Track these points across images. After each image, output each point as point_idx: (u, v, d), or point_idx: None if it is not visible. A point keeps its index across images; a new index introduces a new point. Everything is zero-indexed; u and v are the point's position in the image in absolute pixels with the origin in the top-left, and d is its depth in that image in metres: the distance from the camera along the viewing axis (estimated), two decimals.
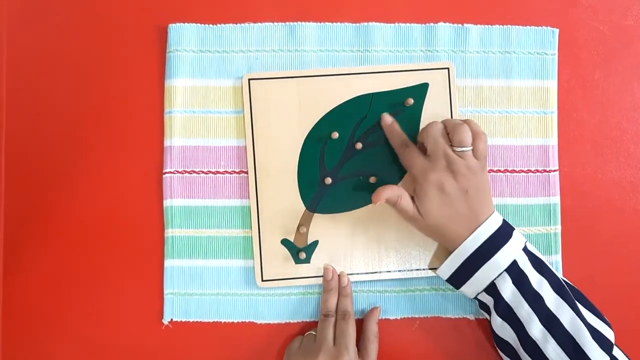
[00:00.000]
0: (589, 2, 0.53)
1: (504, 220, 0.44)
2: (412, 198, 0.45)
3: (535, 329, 0.40)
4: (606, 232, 0.51)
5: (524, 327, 0.41)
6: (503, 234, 0.42)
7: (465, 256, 0.43)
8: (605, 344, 0.40)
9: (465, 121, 0.44)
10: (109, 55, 0.52)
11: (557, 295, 0.41)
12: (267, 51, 0.51)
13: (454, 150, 0.43)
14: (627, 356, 0.41)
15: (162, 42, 0.51)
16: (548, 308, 0.41)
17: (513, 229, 0.44)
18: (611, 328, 0.41)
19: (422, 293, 0.50)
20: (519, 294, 0.41)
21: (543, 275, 0.42)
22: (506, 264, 0.41)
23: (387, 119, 0.49)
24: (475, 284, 0.43)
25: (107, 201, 0.51)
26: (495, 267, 0.42)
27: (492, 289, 0.42)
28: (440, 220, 0.43)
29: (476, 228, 0.42)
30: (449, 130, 0.43)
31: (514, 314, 0.42)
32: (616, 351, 0.41)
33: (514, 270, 0.42)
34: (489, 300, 0.44)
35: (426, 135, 0.44)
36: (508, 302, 0.42)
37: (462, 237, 0.43)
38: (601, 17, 0.52)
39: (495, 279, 0.42)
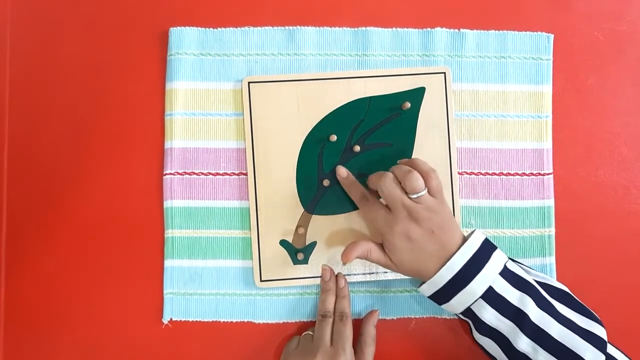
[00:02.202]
0: (583, 8, 0.54)
1: (483, 242, 0.43)
2: (382, 245, 0.45)
3: (523, 343, 0.41)
4: (599, 234, 0.52)
5: (510, 342, 0.41)
6: (477, 261, 0.42)
7: (439, 286, 0.43)
8: (598, 343, 0.40)
9: (412, 162, 0.45)
10: (110, 58, 0.52)
11: (541, 311, 0.41)
12: (267, 55, 0.52)
13: (410, 197, 0.43)
14: (621, 351, 0.42)
15: (163, 45, 0.52)
16: (533, 323, 0.41)
17: (492, 251, 0.43)
18: (603, 326, 0.42)
19: (419, 293, 0.51)
20: (499, 314, 0.42)
21: (527, 293, 0.42)
22: (481, 291, 0.41)
23: (342, 171, 0.49)
24: (452, 307, 0.44)
25: (108, 202, 0.51)
26: (470, 295, 0.42)
27: (469, 312, 0.43)
28: (412, 265, 0.44)
29: (448, 259, 0.42)
30: (400, 179, 0.44)
31: (497, 331, 0.42)
32: (610, 348, 0.41)
33: (490, 296, 0.42)
34: (467, 319, 0.44)
35: (379, 189, 0.44)
36: (489, 324, 0.42)
37: (435, 270, 0.43)
38: (596, 23, 0.53)
39: (471, 305, 0.42)
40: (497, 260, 0.43)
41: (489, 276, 0.42)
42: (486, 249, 0.43)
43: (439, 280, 0.42)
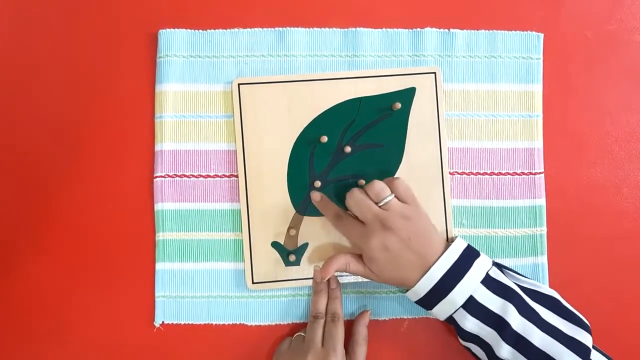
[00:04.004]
0: (573, 7, 0.54)
1: (464, 249, 0.43)
2: (361, 256, 0.45)
3: (504, 351, 0.41)
4: (591, 233, 0.52)
5: (492, 349, 0.41)
6: (457, 270, 0.42)
7: (421, 295, 0.43)
8: (581, 351, 0.40)
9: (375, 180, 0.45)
10: (99, 60, 0.52)
11: (523, 319, 0.41)
12: (257, 56, 0.51)
13: (379, 206, 0.43)
14: (606, 356, 0.42)
15: (152, 48, 0.52)
16: (515, 331, 0.41)
17: (474, 259, 0.43)
18: (589, 332, 0.42)
19: None
20: (481, 322, 0.42)
21: (510, 301, 0.41)
22: (461, 301, 0.42)
23: (315, 196, 0.49)
24: (436, 315, 0.44)
25: (99, 205, 0.51)
26: (450, 304, 0.42)
27: (451, 320, 0.43)
28: (392, 274, 0.44)
29: (429, 268, 0.42)
30: (365, 190, 0.44)
31: (480, 338, 0.42)
32: (594, 355, 0.41)
33: (471, 305, 0.42)
34: (451, 325, 0.45)
35: (349, 206, 0.44)
36: (471, 331, 0.42)
37: (416, 280, 0.43)
38: (585, 22, 0.53)
39: (452, 314, 0.42)
40: (479, 269, 0.43)
41: (469, 285, 0.42)
42: (467, 258, 0.43)
43: (420, 290, 0.43)
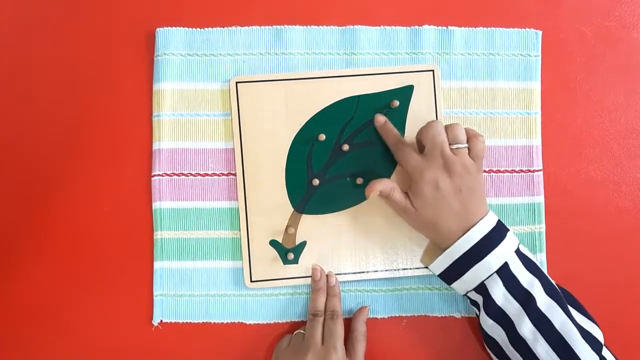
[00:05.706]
0: (571, 4, 0.53)
1: (498, 221, 0.44)
2: (406, 193, 0.46)
3: (526, 328, 0.41)
4: (590, 230, 0.52)
5: (514, 326, 0.42)
6: (496, 235, 0.43)
7: (456, 256, 0.43)
8: (595, 344, 0.40)
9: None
10: (97, 59, 0.52)
11: (548, 297, 0.42)
12: (254, 54, 0.51)
13: (450, 149, 0.44)
14: (615, 357, 0.42)
15: (150, 46, 0.52)
16: (539, 309, 0.41)
17: (507, 230, 0.44)
18: (600, 329, 0.42)
19: (409, 292, 0.51)
20: (509, 294, 0.42)
21: (535, 276, 0.42)
22: (497, 266, 0.42)
23: (380, 118, 0.49)
24: (466, 283, 0.44)
25: (97, 204, 0.51)
26: (485, 268, 0.42)
27: (482, 288, 0.43)
28: (432, 216, 0.44)
29: (469, 228, 0.43)
30: (446, 127, 0.45)
31: (504, 313, 0.42)
32: (605, 351, 0.41)
33: (504, 272, 0.42)
34: (478, 298, 0.44)
35: (425, 133, 0.45)
36: (498, 303, 0.42)
37: (454, 235, 0.43)
38: (584, 19, 0.53)
39: (485, 279, 0.43)
40: (512, 240, 0.44)
41: (505, 252, 0.42)
42: (502, 228, 0.44)
43: (456, 250, 0.43)
